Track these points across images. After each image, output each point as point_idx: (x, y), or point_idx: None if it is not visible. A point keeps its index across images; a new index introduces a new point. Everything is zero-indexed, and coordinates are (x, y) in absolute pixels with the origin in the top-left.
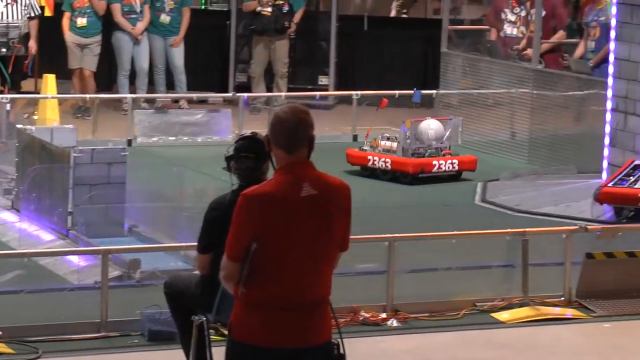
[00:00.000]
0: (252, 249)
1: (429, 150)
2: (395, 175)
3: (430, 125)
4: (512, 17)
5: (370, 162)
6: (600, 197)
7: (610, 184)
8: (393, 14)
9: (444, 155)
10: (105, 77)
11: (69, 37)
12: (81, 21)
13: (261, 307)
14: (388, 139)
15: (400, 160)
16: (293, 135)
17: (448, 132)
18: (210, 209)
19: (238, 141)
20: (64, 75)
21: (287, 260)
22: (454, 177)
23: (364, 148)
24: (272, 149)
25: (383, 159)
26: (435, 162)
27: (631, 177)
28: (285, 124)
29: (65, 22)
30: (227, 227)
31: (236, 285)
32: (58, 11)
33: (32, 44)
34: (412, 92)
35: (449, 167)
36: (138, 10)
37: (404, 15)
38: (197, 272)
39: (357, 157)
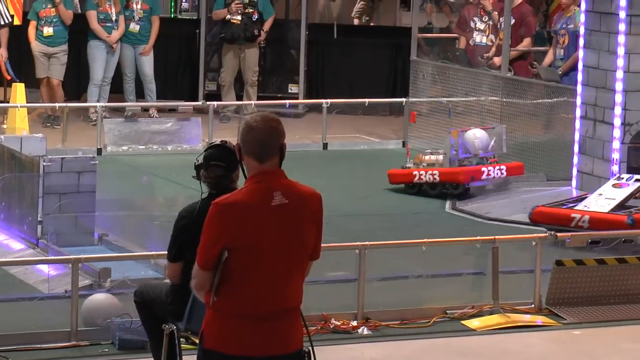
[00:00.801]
0: (223, 258)
1: (476, 160)
2: (444, 189)
3: (476, 135)
4: (481, 26)
5: (417, 178)
6: (534, 217)
7: (546, 204)
8: (355, 22)
9: (490, 163)
10: (74, 86)
11: (35, 46)
12: (47, 30)
13: (233, 315)
14: (431, 153)
15: (449, 170)
16: (265, 144)
17: (493, 141)
18: (180, 218)
19: (208, 150)
20: (33, 84)
21: (259, 269)
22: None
23: (407, 166)
24: (243, 157)
25: (430, 172)
26: (484, 169)
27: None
28: (256, 132)
29: (31, 31)
30: (197, 236)
31: (208, 293)
32: (27, 20)
33: (2, 52)
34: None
35: (497, 174)
36: (113, 18)
37: (372, 24)
38: (167, 280)
39: (401, 175)
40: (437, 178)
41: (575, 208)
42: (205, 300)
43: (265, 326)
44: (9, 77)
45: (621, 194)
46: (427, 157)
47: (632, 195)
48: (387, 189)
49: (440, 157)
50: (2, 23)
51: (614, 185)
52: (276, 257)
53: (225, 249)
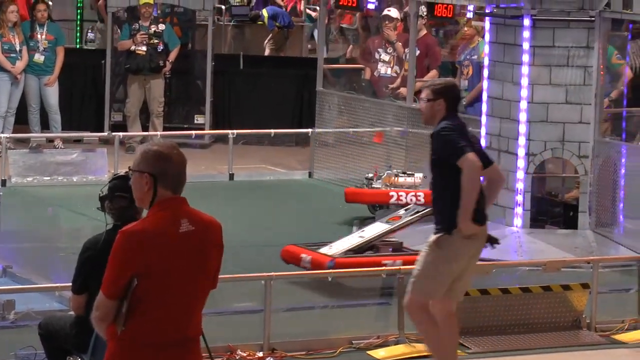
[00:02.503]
0: (132, 286)
1: None
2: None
3: None
4: (385, 57)
5: (395, 198)
6: (282, 255)
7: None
8: (267, 52)
9: None
10: None
11: None
12: None
13: (138, 344)
14: (402, 174)
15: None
16: (181, 175)
17: None
18: (84, 249)
19: (112, 181)
20: None
21: (166, 297)
22: None
23: (374, 186)
24: (150, 186)
25: (412, 194)
26: None
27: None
28: (173, 163)
29: None
30: (102, 268)
31: (111, 325)
32: None
33: None
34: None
35: None
36: (17, 49)
37: (281, 54)
38: (72, 312)
39: (372, 194)
40: (422, 200)
41: (320, 250)
42: (108, 331)
43: (170, 356)
44: None
45: (371, 232)
46: (401, 180)
47: (384, 235)
48: (293, 219)
49: (416, 179)
50: None
51: (387, 221)
52: (183, 285)
53: (133, 277)
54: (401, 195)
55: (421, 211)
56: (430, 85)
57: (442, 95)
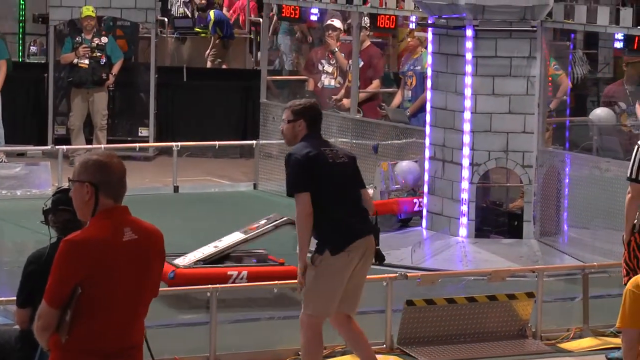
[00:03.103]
0: (76, 294)
1: (406, 192)
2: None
3: (410, 167)
4: (328, 68)
5: None
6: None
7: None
8: (208, 64)
9: (419, 194)
10: None
11: None
12: None
13: (82, 353)
14: None
15: (383, 202)
16: (123, 183)
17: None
18: (28, 263)
19: (56, 194)
20: None
21: (110, 305)
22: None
23: None
24: (91, 195)
25: None
26: (415, 200)
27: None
28: (117, 174)
29: None
30: (45, 281)
31: (53, 335)
32: None
33: None
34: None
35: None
36: None
37: (224, 66)
38: (17, 326)
39: None
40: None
41: (174, 261)
42: (51, 341)
43: None
44: None
45: (226, 243)
46: None
47: (237, 245)
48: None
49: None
50: None
51: (245, 231)
52: (127, 293)
53: (77, 286)
54: None
55: (280, 220)
56: (290, 106)
57: (302, 116)
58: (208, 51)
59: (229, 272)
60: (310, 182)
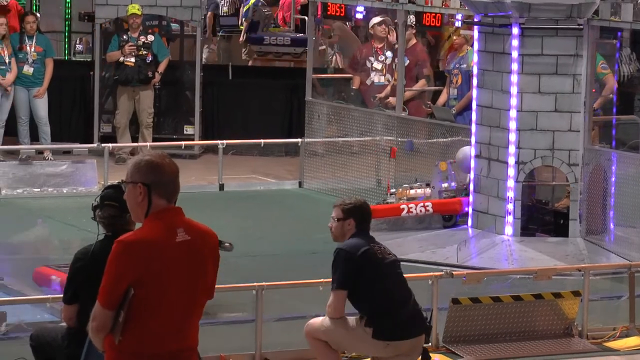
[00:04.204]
0: (129, 295)
1: (461, 191)
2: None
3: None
4: (377, 65)
5: (405, 211)
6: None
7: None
8: (250, 63)
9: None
10: None
11: None
12: None
13: (136, 355)
14: (411, 188)
15: (443, 202)
16: (174, 185)
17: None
18: (75, 260)
19: (104, 190)
20: None
21: (163, 306)
22: None
23: (389, 201)
24: (144, 196)
25: (422, 205)
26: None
27: None
28: (169, 174)
29: None
30: (93, 278)
31: (108, 336)
32: None
33: None
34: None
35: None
36: (6, 61)
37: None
38: (63, 323)
39: (386, 210)
40: (431, 210)
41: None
42: (106, 342)
43: None
44: None
45: None
46: (411, 192)
47: None
48: (284, 229)
49: (426, 189)
50: None
51: None
52: (180, 294)
53: (130, 287)
54: (411, 208)
55: None
56: (340, 205)
57: (352, 215)
58: (243, 49)
59: None
60: (351, 281)
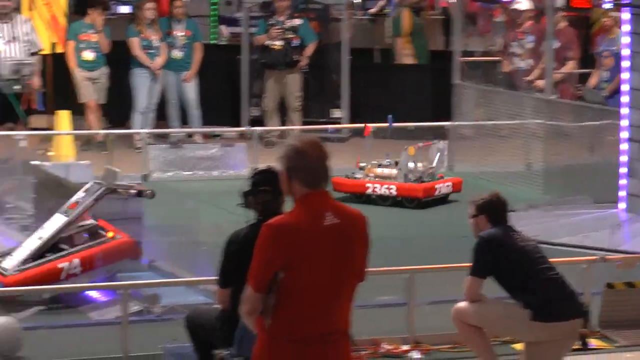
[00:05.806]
0: (279, 279)
1: (426, 176)
2: (395, 201)
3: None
4: (517, 50)
5: (370, 190)
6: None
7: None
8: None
9: (439, 179)
10: (117, 112)
11: (78, 71)
12: (87, 55)
13: (286, 339)
14: (379, 165)
15: (407, 186)
16: (315, 171)
17: (438, 156)
18: (228, 243)
19: (254, 176)
20: (76, 110)
21: (312, 290)
22: (442, 199)
23: (357, 176)
24: (289, 182)
25: (386, 186)
26: (437, 186)
27: None
28: (307, 160)
29: (70, 52)
30: (245, 261)
31: (260, 317)
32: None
33: (35, 80)
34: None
35: (446, 190)
36: (156, 45)
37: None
38: (217, 306)
39: (351, 185)
40: (394, 193)
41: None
42: (257, 324)
43: (317, 350)
44: (34, 106)
45: (50, 230)
46: (379, 170)
47: (63, 230)
48: (433, 213)
49: (393, 170)
50: (34, 51)
51: (65, 210)
52: (329, 277)
53: (280, 270)
54: (376, 187)
55: (99, 191)
56: (474, 201)
57: (484, 211)
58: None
59: (59, 265)
60: (488, 269)
